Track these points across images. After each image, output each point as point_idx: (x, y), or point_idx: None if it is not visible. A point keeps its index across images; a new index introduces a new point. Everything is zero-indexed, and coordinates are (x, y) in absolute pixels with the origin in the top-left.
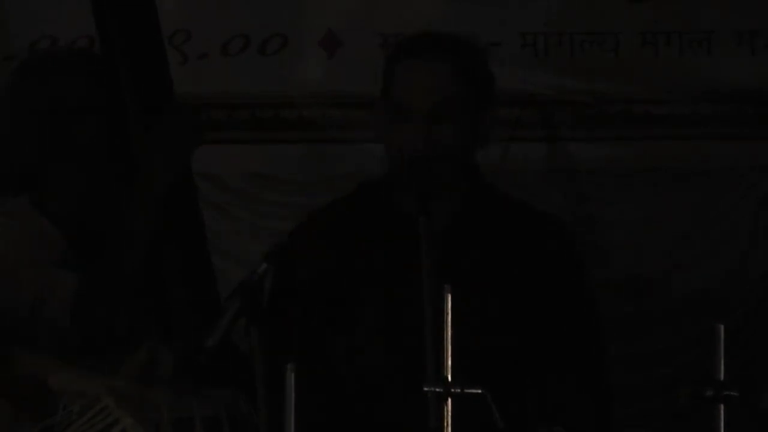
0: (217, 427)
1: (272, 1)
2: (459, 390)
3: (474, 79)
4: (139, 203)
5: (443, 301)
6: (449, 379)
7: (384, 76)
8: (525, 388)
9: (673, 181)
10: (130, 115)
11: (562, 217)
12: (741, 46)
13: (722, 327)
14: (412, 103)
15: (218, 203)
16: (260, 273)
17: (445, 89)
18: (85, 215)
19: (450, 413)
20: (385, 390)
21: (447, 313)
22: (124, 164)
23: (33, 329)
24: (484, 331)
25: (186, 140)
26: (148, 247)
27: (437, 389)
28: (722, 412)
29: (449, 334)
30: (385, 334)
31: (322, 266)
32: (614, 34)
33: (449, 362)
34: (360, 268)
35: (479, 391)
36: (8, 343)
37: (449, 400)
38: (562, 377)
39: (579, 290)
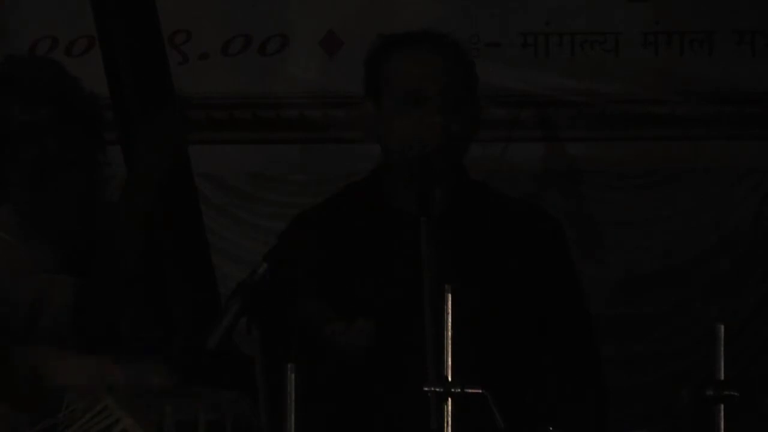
0: (221, 430)
1: (272, 1)
2: (459, 390)
3: (464, 69)
4: (135, 199)
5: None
6: (449, 379)
7: (374, 73)
8: (521, 385)
9: (672, 181)
10: (131, 114)
11: (555, 213)
12: (741, 46)
13: (722, 327)
14: (425, 90)
15: (218, 203)
16: (260, 273)
17: (449, 76)
18: (64, 223)
19: (450, 413)
20: (384, 389)
21: (447, 313)
22: (93, 170)
23: (33, 334)
24: (477, 327)
25: (177, 131)
26: (146, 245)
27: (437, 389)
28: (722, 412)
29: (449, 334)
30: (383, 331)
31: (318, 265)
32: (614, 34)
33: (449, 362)
34: (355, 266)
35: (479, 391)
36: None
37: (449, 400)
38: (556, 372)
39: (569, 283)
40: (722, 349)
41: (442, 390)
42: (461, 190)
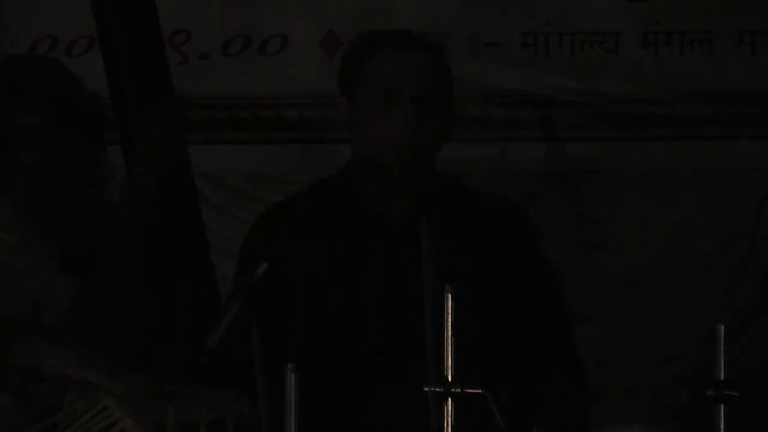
0: (221, 431)
1: (272, 1)
2: (459, 390)
3: (441, 67)
4: (134, 197)
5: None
6: (449, 379)
7: (351, 72)
8: (502, 379)
9: (673, 181)
10: (131, 114)
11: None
12: (741, 46)
13: (722, 327)
14: (400, 88)
15: (218, 203)
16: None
17: (426, 76)
18: (64, 223)
19: (450, 413)
20: (376, 389)
21: (447, 313)
22: (93, 170)
23: (33, 334)
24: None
25: (176, 129)
26: (146, 246)
27: (437, 389)
28: (722, 412)
29: (449, 334)
30: (381, 328)
31: (288, 264)
32: (614, 34)
33: (449, 362)
34: (327, 265)
35: (479, 390)
36: (8, 350)
37: (449, 400)
38: (536, 363)
39: (543, 274)
40: (722, 349)
41: (442, 390)
42: (430, 186)
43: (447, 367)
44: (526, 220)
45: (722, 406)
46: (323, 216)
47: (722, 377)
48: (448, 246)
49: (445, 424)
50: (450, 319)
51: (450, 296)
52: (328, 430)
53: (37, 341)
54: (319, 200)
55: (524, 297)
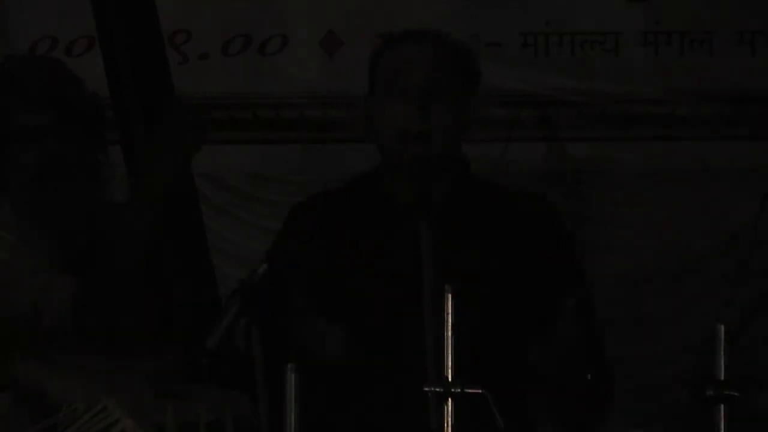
0: (221, 430)
1: (272, 1)
2: (459, 390)
3: (459, 65)
4: (139, 203)
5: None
6: (449, 379)
7: (370, 73)
8: (506, 378)
9: (673, 181)
10: (131, 114)
11: (548, 196)
12: (741, 46)
13: (722, 327)
14: (405, 79)
15: (218, 203)
16: (260, 273)
17: (433, 66)
18: (65, 223)
19: (450, 413)
20: (383, 386)
21: (447, 313)
22: (93, 170)
23: (33, 335)
24: (481, 320)
25: (188, 140)
26: (147, 247)
27: (437, 389)
28: (722, 412)
29: (449, 333)
30: (381, 327)
31: (317, 257)
32: (614, 34)
33: (449, 362)
34: (354, 259)
35: (479, 390)
36: (8, 350)
37: (449, 400)
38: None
39: (571, 265)
40: (722, 349)
41: (442, 390)
42: (461, 184)
43: (447, 367)
44: (557, 216)
45: (722, 406)
46: (351, 210)
47: (722, 377)
48: (463, 244)
49: (445, 424)
50: (450, 320)
51: (450, 296)
52: (328, 430)
53: (40, 363)
54: (349, 194)
55: (551, 287)
